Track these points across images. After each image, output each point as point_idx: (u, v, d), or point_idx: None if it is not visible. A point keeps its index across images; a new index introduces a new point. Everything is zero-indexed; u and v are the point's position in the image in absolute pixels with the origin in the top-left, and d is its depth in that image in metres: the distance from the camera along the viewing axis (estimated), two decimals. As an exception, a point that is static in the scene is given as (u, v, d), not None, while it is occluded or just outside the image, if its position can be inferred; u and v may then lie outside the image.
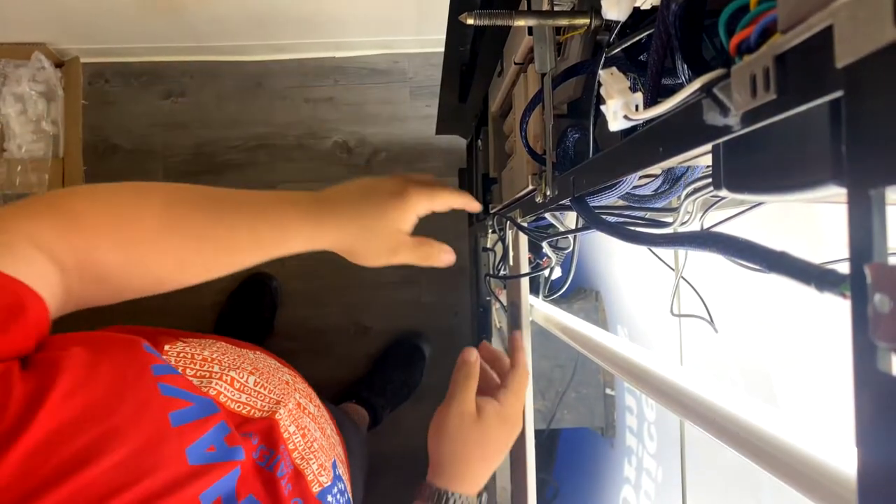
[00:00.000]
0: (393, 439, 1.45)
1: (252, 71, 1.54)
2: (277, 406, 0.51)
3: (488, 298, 1.19)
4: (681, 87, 0.23)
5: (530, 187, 0.54)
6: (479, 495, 0.58)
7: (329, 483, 0.51)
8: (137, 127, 1.53)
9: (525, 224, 0.69)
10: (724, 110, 0.21)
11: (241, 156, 1.54)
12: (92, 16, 1.32)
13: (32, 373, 0.34)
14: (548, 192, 0.48)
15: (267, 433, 0.48)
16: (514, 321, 0.79)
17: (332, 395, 1.44)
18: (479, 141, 0.97)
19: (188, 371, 0.48)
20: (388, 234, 0.53)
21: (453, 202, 0.57)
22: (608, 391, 1.21)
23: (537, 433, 0.76)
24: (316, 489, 0.49)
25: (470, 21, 0.38)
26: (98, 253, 0.43)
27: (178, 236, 0.46)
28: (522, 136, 0.52)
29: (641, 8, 0.30)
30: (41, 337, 0.39)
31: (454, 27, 0.71)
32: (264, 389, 0.52)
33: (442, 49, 0.78)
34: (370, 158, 1.55)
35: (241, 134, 1.54)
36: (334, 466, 0.54)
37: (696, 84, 0.22)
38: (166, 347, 0.50)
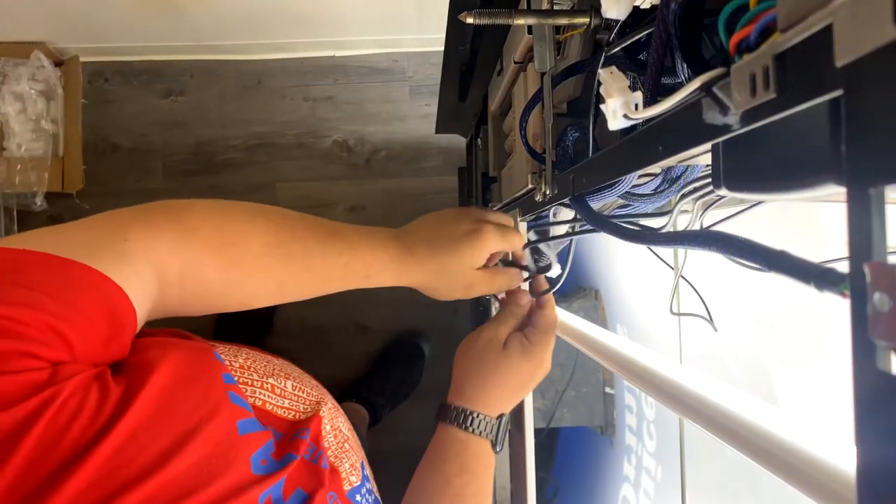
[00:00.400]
0: (393, 438, 1.45)
1: (252, 70, 1.54)
2: (319, 405, 0.52)
3: (488, 298, 1.19)
4: (680, 86, 0.23)
5: (529, 186, 0.54)
6: (499, 417, 0.59)
7: (358, 483, 0.51)
8: (137, 126, 1.53)
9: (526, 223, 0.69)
10: (724, 109, 0.21)
11: (241, 155, 1.54)
12: (91, 14, 1.32)
13: (123, 376, 0.36)
14: (547, 191, 0.48)
15: (316, 428, 0.49)
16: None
17: (333, 395, 1.44)
18: (479, 140, 0.97)
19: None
20: (462, 273, 0.57)
21: (517, 244, 0.61)
22: (608, 390, 1.21)
23: (537, 432, 0.76)
24: (347, 487, 0.49)
25: (470, 20, 0.38)
26: (203, 269, 0.45)
27: (279, 261, 0.49)
28: (522, 134, 0.52)
29: (641, 7, 0.30)
30: (129, 345, 0.41)
31: (454, 26, 0.71)
32: (303, 392, 0.52)
33: (442, 48, 0.78)
34: (370, 157, 1.55)
35: (241, 133, 1.54)
36: (362, 466, 0.55)
37: (696, 83, 0.22)
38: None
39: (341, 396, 1.40)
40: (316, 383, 0.57)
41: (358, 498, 0.50)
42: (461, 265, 0.56)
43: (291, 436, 0.46)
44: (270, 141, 1.54)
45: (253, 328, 1.44)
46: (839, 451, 0.28)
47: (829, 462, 0.28)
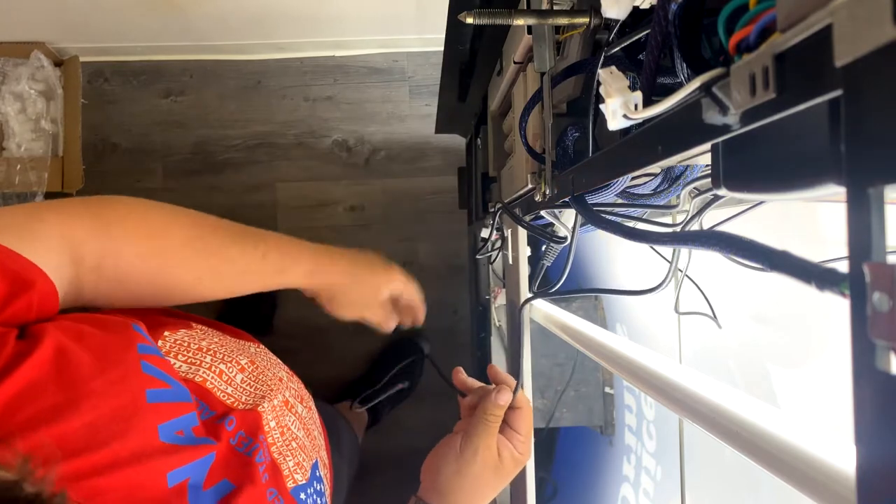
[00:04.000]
0: (392, 438, 1.45)
1: (252, 70, 1.54)
2: (262, 400, 0.52)
3: (487, 297, 1.19)
4: (680, 86, 0.23)
5: (529, 186, 0.54)
6: None
7: (304, 482, 0.52)
8: (137, 126, 1.53)
9: (526, 220, 0.69)
10: (724, 109, 0.21)
11: (241, 154, 1.54)
12: (91, 14, 1.32)
13: (25, 339, 0.37)
14: (547, 191, 0.48)
15: (248, 422, 0.49)
16: (514, 320, 0.79)
17: (332, 394, 1.44)
18: (479, 140, 0.97)
19: (180, 357, 0.50)
20: (372, 289, 0.65)
21: (416, 301, 0.70)
22: (607, 390, 1.21)
23: (536, 432, 0.76)
24: (290, 484, 0.49)
25: (469, 20, 0.38)
26: (123, 257, 0.47)
27: (198, 254, 0.52)
28: (522, 134, 0.52)
29: (640, 7, 0.30)
30: (43, 315, 0.42)
31: (454, 26, 0.71)
32: (250, 386, 0.53)
33: (441, 48, 0.78)
34: (369, 157, 1.55)
35: (241, 133, 1.54)
36: (314, 468, 0.55)
37: (696, 83, 0.22)
38: (166, 333, 0.51)
39: (341, 396, 1.40)
40: (277, 379, 0.57)
41: (303, 496, 0.50)
42: (371, 283, 0.65)
43: (219, 419, 0.46)
44: (270, 141, 1.54)
45: (252, 329, 1.44)
46: (839, 451, 0.28)
47: (829, 462, 0.28)
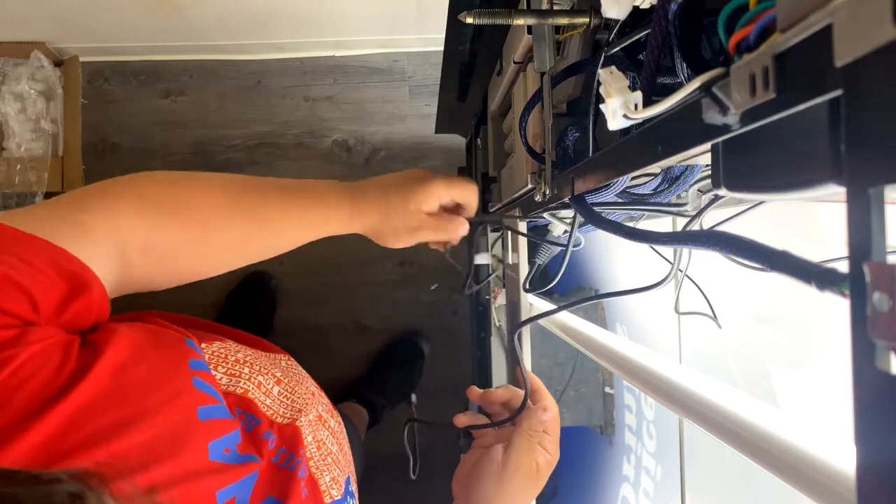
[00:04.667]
0: (393, 438, 1.45)
1: (252, 70, 1.54)
2: (299, 414, 0.52)
3: (487, 297, 1.19)
4: (680, 86, 0.23)
5: (529, 186, 0.54)
6: None
7: (339, 497, 0.51)
8: (137, 126, 1.53)
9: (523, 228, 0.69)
10: (724, 109, 0.21)
11: (241, 155, 1.54)
12: (91, 14, 1.32)
13: (84, 349, 0.37)
14: (547, 191, 0.48)
15: (288, 437, 0.49)
16: (514, 320, 0.79)
17: (332, 394, 1.44)
18: (479, 140, 0.97)
19: (219, 368, 0.49)
20: (410, 214, 0.59)
21: (468, 195, 0.62)
22: (607, 389, 1.21)
23: (537, 432, 0.76)
24: (327, 500, 0.49)
25: (469, 20, 0.38)
26: (165, 232, 0.47)
27: (236, 216, 0.52)
28: (522, 134, 0.52)
29: (641, 7, 0.30)
30: (99, 318, 0.42)
31: (453, 26, 0.71)
32: (287, 399, 0.53)
33: (441, 48, 0.78)
34: (369, 157, 1.55)
35: (241, 133, 1.54)
36: (347, 483, 0.55)
37: (696, 83, 0.22)
38: (203, 345, 0.51)
39: (341, 396, 1.40)
40: (309, 393, 0.57)
41: None
42: (408, 206, 0.58)
43: (261, 433, 0.46)
44: (270, 141, 1.54)
45: (252, 329, 1.45)
46: (839, 451, 0.28)
47: (829, 462, 0.28)
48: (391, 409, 1.45)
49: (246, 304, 1.46)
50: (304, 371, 0.62)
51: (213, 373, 0.48)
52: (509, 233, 0.83)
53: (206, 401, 0.41)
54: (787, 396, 0.66)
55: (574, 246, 0.54)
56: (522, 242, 0.79)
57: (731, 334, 0.76)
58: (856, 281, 0.15)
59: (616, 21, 0.34)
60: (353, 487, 0.57)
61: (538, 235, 0.77)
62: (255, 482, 0.42)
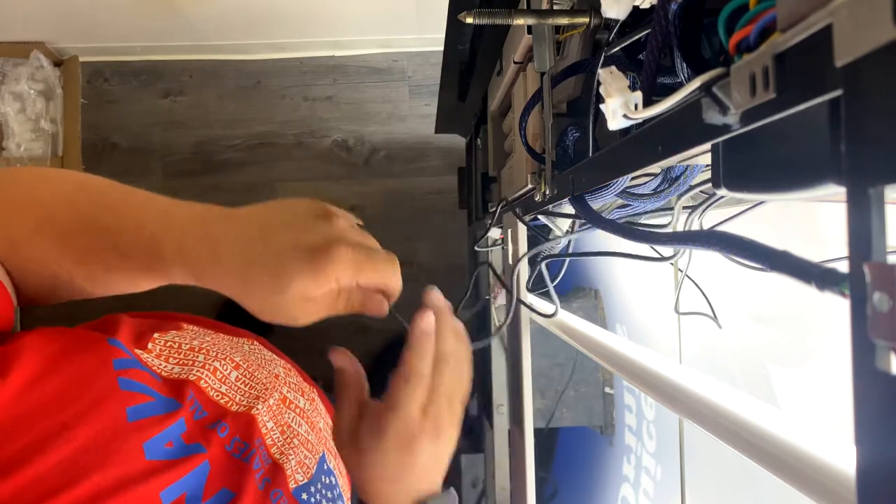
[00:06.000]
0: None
1: (251, 70, 1.54)
2: (257, 401, 0.51)
3: (487, 297, 1.19)
4: (680, 86, 0.23)
5: (529, 186, 0.54)
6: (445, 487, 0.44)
7: (306, 480, 0.50)
8: (136, 126, 1.53)
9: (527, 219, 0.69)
10: (724, 109, 0.21)
11: (241, 154, 1.54)
12: (91, 14, 1.32)
13: None
14: (547, 191, 0.48)
15: (243, 426, 0.47)
16: (514, 320, 0.79)
17: (329, 392, 1.44)
18: (479, 140, 0.97)
19: (171, 359, 0.48)
20: (287, 302, 0.37)
21: (386, 277, 0.41)
22: (607, 390, 1.21)
23: (536, 432, 0.76)
24: (292, 485, 0.48)
25: (469, 20, 0.38)
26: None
27: (48, 242, 0.38)
28: (521, 134, 0.52)
29: (641, 7, 0.30)
30: (4, 328, 0.37)
31: (453, 26, 0.71)
32: (245, 385, 0.51)
33: (441, 48, 0.78)
34: (369, 157, 1.55)
35: (241, 132, 1.54)
36: (321, 461, 0.53)
37: (696, 83, 0.22)
38: (156, 335, 0.50)
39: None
40: (272, 376, 0.55)
41: (304, 496, 0.48)
42: (284, 292, 0.37)
43: (211, 423, 0.44)
44: (270, 141, 1.54)
45: (254, 327, 1.44)
46: (839, 451, 0.28)
47: (829, 462, 0.28)
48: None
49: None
50: (269, 354, 0.60)
51: (162, 363, 0.46)
52: (510, 233, 0.83)
53: (136, 399, 0.39)
54: (787, 396, 0.66)
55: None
56: (522, 242, 0.79)
57: (731, 334, 0.76)
58: (856, 281, 0.15)
59: (616, 21, 0.34)
60: (333, 463, 0.55)
61: (540, 236, 0.77)
62: (208, 473, 0.40)
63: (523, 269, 0.78)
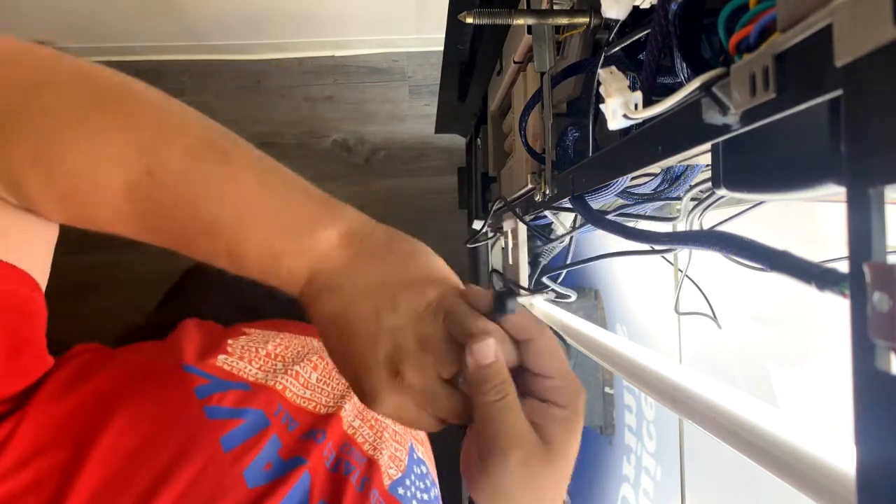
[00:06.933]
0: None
1: (251, 70, 1.54)
2: (342, 401, 0.49)
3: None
4: (680, 86, 0.23)
5: (529, 186, 0.54)
6: None
7: (400, 475, 0.48)
8: (136, 126, 1.53)
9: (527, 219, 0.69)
10: (724, 109, 0.21)
11: (241, 155, 1.54)
12: (91, 14, 1.32)
13: (69, 425, 0.32)
14: (547, 191, 0.48)
15: (335, 429, 0.46)
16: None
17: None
18: (479, 140, 0.97)
19: (253, 363, 0.46)
20: (420, 317, 0.31)
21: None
22: (607, 389, 1.21)
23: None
24: (387, 482, 0.46)
25: (469, 20, 0.38)
26: (43, 210, 0.32)
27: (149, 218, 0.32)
28: (521, 134, 0.52)
29: (641, 7, 0.30)
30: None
31: (453, 26, 0.71)
32: (327, 386, 0.50)
33: (441, 48, 0.78)
34: (369, 157, 1.55)
35: (241, 133, 1.52)
36: (411, 451, 0.52)
37: (696, 83, 0.22)
38: (230, 342, 0.48)
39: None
40: None
41: (401, 491, 0.46)
42: (421, 298, 0.32)
43: (305, 433, 0.43)
44: (270, 141, 1.54)
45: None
46: (839, 451, 0.28)
47: (829, 462, 0.28)
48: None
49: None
50: None
51: (246, 365, 0.44)
52: (509, 233, 0.83)
53: (227, 427, 0.38)
54: (787, 396, 0.66)
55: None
56: (522, 242, 0.79)
57: (731, 334, 0.76)
58: (856, 281, 0.15)
59: (616, 21, 0.34)
60: (420, 452, 0.54)
61: (540, 235, 0.77)
62: (309, 484, 0.39)
63: (523, 268, 0.78)
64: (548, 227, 0.77)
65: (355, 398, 0.48)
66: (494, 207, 0.75)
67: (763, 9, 0.19)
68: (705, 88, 0.21)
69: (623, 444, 1.14)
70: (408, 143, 1.55)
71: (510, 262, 0.84)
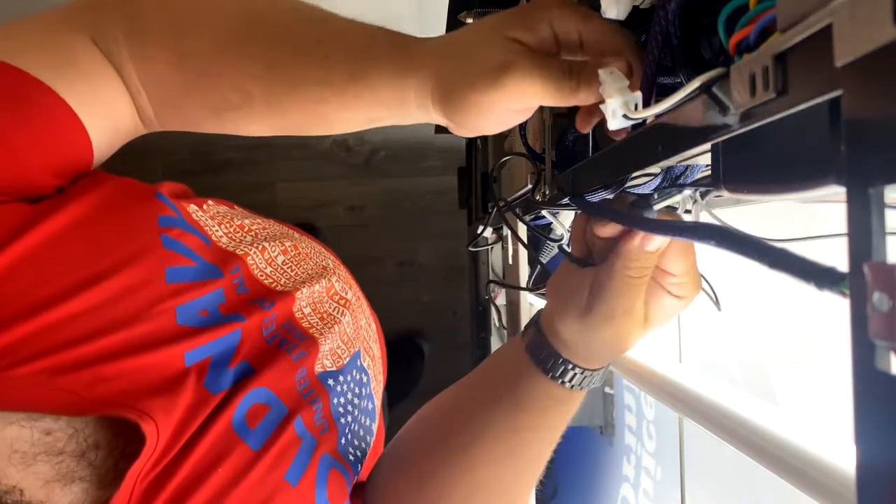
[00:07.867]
0: (391, 437, 1.45)
1: (251, 70, 1.54)
2: (302, 285, 0.48)
3: (487, 297, 1.19)
4: (680, 85, 0.23)
5: (529, 186, 0.54)
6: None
7: (334, 369, 0.48)
8: (136, 126, 1.53)
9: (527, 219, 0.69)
10: (724, 109, 0.21)
11: (240, 155, 1.54)
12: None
13: (36, 205, 0.34)
14: (546, 191, 0.48)
15: (284, 307, 0.45)
16: (513, 321, 0.79)
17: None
18: (479, 140, 0.97)
19: (222, 227, 0.46)
20: (490, 41, 0.34)
21: (608, 35, 0.34)
22: (607, 389, 1.21)
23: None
24: (318, 369, 0.46)
25: (469, 20, 0.38)
26: (156, 67, 0.37)
27: (237, 56, 0.37)
28: (522, 134, 0.52)
29: (641, 7, 0.30)
30: (77, 173, 0.38)
31: (453, 26, 0.71)
32: (291, 270, 0.49)
33: (441, 48, 0.78)
34: (369, 157, 1.55)
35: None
36: (356, 355, 0.51)
37: (696, 83, 0.22)
38: (210, 202, 0.48)
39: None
40: (320, 267, 0.53)
41: (330, 382, 0.46)
42: (487, 26, 0.35)
43: (253, 299, 0.43)
44: (270, 141, 1.54)
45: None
46: (839, 451, 0.28)
47: (829, 461, 0.28)
48: (391, 409, 1.45)
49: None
50: (319, 247, 0.56)
51: (215, 227, 0.44)
52: (509, 233, 0.83)
53: (177, 260, 0.37)
54: (787, 396, 0.66)
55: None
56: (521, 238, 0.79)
57: (731, 334, 0.76)
58: (856, 281, 0.15)
59: (616, 21, 0.34)
60: (366, 363, 0.53)
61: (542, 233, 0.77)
62: (238, 341, 0.39)
63: (524, 268, 0.78)
64: (548, 227, 0.77)
65: (316, 287, 0.49)
66: (493, 210, 0.75)
67: (763, 9, 0.19)
68: (705, 88, 0.21)
69: (623, 444, 1.14)
70: (408, 143, 1.56)
71: (510, 262, 0.84)
